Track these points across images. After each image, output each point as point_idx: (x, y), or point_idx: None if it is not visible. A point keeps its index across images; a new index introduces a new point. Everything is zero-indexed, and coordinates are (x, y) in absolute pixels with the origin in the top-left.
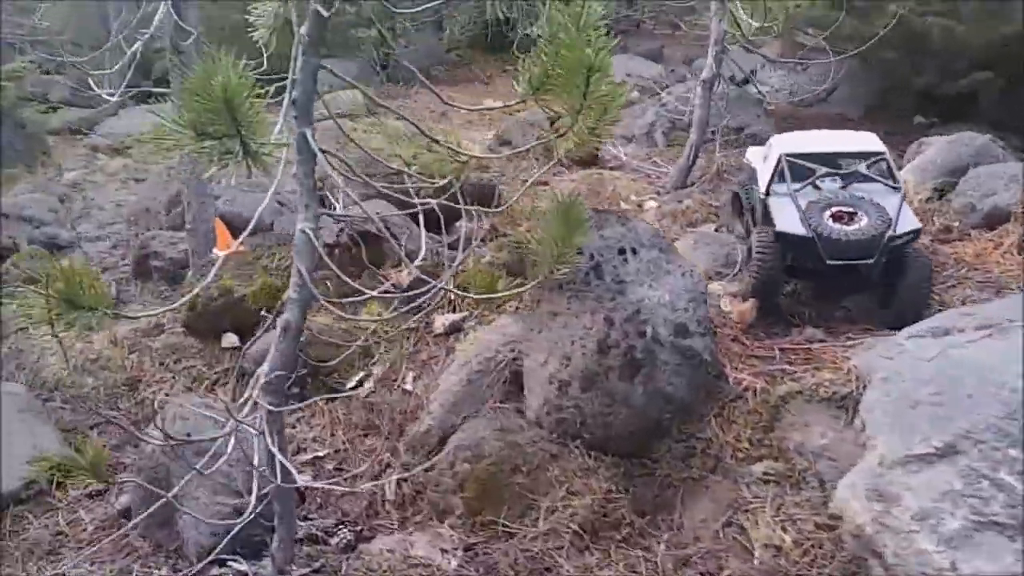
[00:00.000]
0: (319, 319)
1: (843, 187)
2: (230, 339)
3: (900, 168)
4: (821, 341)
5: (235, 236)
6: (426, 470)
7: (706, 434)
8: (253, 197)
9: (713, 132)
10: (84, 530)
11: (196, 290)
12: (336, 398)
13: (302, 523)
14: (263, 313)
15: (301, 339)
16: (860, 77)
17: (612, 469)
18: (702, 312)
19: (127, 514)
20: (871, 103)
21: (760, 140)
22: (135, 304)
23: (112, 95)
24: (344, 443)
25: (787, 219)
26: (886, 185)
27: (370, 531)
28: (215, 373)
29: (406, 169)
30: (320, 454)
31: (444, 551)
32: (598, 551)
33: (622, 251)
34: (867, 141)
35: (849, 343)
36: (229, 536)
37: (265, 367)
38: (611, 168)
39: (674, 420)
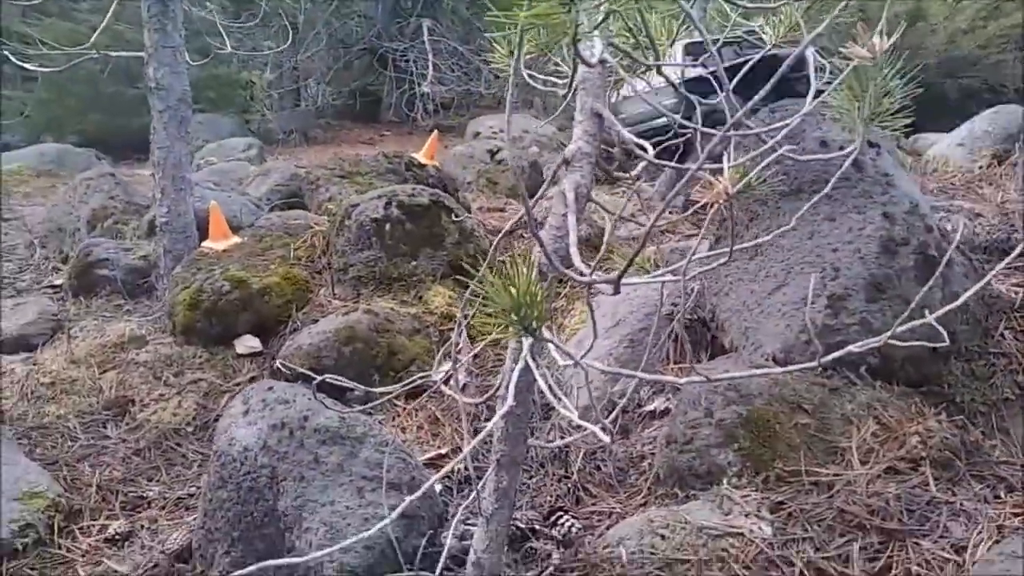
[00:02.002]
0: (381, 303)
1: None
2: (248, 343)
3: None
4: None
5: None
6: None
7: (1001, 348)
8: (224, 196)
9: None
10: None
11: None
12: (420, 394)
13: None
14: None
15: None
16: None
17: (904, 399)
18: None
19: (184, 556)
20: None
21: None
22: (84, 323)
23: None
24: (460, 439)
25: None
26: None
27: (585, 518)
28: (234, 385)
29: None
30: (442, 451)
31: (745, 515)
32: (977, 481)
33: (872, 143)
34: None
35: None
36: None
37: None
38: None
39: (964, 335)
